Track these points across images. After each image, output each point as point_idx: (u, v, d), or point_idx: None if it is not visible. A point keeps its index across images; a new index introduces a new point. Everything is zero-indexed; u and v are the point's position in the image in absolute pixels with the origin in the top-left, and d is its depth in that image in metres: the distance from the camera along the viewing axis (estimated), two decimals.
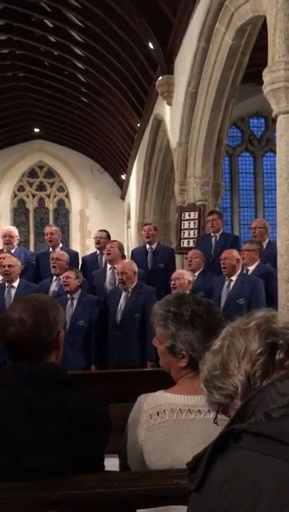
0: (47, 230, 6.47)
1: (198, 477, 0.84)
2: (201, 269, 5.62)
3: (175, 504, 1.48)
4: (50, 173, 17.51)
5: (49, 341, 1.49)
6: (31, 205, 17.42)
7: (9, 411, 1.39)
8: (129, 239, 14.55)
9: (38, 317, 1.47)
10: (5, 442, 1.38)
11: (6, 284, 5.12)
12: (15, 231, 6.34)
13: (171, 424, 1.50)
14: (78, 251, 8.06)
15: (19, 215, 17.37)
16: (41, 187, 17.56)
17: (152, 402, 1.54)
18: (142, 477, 1.48)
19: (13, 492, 1.37)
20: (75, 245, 15.87)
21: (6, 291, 5.10)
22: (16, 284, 5.13)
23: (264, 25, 4.76)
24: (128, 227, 15.41)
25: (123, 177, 15.41)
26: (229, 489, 0.80)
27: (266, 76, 4.14)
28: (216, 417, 1.11)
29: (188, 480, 0.87)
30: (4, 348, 1.50)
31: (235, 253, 5.11)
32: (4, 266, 5.11)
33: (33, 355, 1.46)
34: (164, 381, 1.76)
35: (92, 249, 10.03)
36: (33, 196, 17.45)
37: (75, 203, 17.28)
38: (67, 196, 17.47)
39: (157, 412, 1.51)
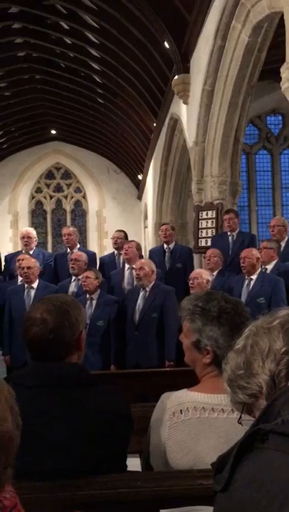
0: (64, 231, 6.51)
1: (224, 478, 0.83)
2: (220, 268, 5.59)
3: (198, 505, 1.47)
4: (67, 175, 17.61)
5: (71, 341, 1.49)
6: (49, 206, 17.54)
7: (31, 412, 1.39)
8: (147, 239, 14.55)
9: (60, 317, 1.48)
10: (26, 443, 1.38)
11: (26, 285, 5.16)
12: (33, 232, 6.39)
13: (194, 422, 1.50)
14: (96, 252, 8.09)
15: (37, 216, 17.51)
16: (58, 188, 17.67)
17: (175, 400, 1.54)
18: (164, 477, 1.48)
19: (37, 492, 1.37)
20: (93, 246, 15.93)
21: (25, 293, 5.14)
22: (35, 285, 5.16)
23: (281, 21, 4.71)
24: (145, 227, 15.41)
25: (140, 177, 15.42)
26: (256, 490, 0.79)
27: (284, 72, 4.10)
28: (240, 417, 1.10)
29: (214, 480, 0.87)
30: (26, 348, 1.51)
31: (255, 252, 5.07)
32: (23, 268, 5.15)
33: (55, 355, 1.47)
34: (183, 381, 1.75)
35: (109, 249, 10.05)
36: (51, 198, 17.57)
37: (92, 203, 17.35)
38: (84, 197, 17.55)
39: (180, 410, 1.51)
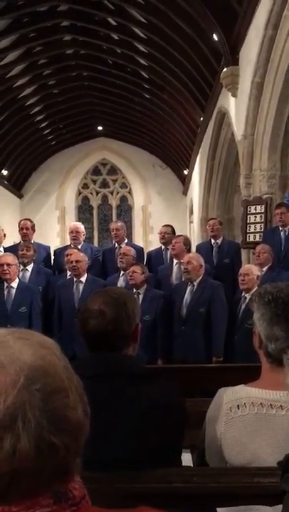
0: (112, 225, 6.54)
1: None
2: (270, 264, 5.46)
3: (255, 503, 1.44)
4: (113, 170, 17.73)
5: (128, 333, 1.49)
6: (95, 202, 17.74)
7: (91, 402, 1.40)
8: (192, 234, 14.46)
9: (118, 309, 1.48)
10: None
11: (74, 279, 5.23)
12: (81, 227, 6.46)
13: (251, 418, 1.46)
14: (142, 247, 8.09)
15: (83, 212, 17.74)
16: (104, 184, 17.83)
17: (232, 395, 1.51)
18: (221, 474, 1.45)
19: (94, 482, 1.38)
20: (138, 241, 15.97)
21: (74, 286, 5.21)
22: (83, 279, 5.21)
23: None
24: (191, 222, 15.32)
25: (185, 172, 15.32)
26: None
27: None
28: None
29: (282, 480, 0.84)
30: (84, 340, 1.52)
31: None
32: (72, 261, 5.22)
33: (113, 347, 1.47)
34: (231, 377, 1.72)
35: (155, 245, 10.04)
36: (97, 193, 17.76)
37: (138, 199, 17.40)
38: (129, 193, 17.63)
39: (237, 405, 1.48)
